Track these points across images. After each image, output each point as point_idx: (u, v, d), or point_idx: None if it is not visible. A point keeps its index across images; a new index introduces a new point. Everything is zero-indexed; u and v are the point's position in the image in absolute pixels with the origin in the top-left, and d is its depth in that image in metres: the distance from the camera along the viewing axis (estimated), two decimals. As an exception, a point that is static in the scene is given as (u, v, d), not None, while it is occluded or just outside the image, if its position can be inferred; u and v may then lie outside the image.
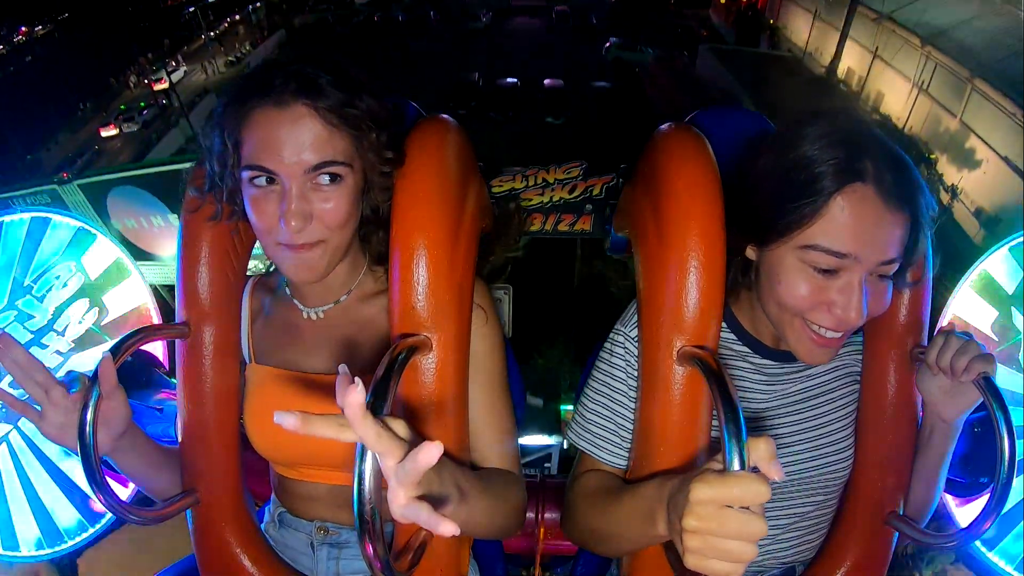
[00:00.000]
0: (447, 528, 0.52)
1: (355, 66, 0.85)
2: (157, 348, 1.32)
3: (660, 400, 0.82)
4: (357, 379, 0.51)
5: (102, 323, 1.29)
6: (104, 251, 1.30)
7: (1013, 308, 1.15)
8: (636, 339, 0.89)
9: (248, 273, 1.01)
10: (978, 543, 1.15)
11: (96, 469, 0.82)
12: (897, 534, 0.93)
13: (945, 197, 12.34)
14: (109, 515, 1.27)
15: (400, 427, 0.57)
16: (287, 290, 0.97)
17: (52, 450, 1.27)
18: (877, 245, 0.76)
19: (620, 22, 23.28)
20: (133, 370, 1.24)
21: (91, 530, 1.28)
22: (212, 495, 0.94)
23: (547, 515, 1.39)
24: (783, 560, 0.96)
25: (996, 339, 1.16)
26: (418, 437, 0.62)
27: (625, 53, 20.80)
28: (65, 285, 1.28)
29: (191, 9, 25.95)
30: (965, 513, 1.15)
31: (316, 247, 0.82)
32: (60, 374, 1.27)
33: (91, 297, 1.29)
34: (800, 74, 18.56)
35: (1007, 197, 11.04)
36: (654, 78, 19.21)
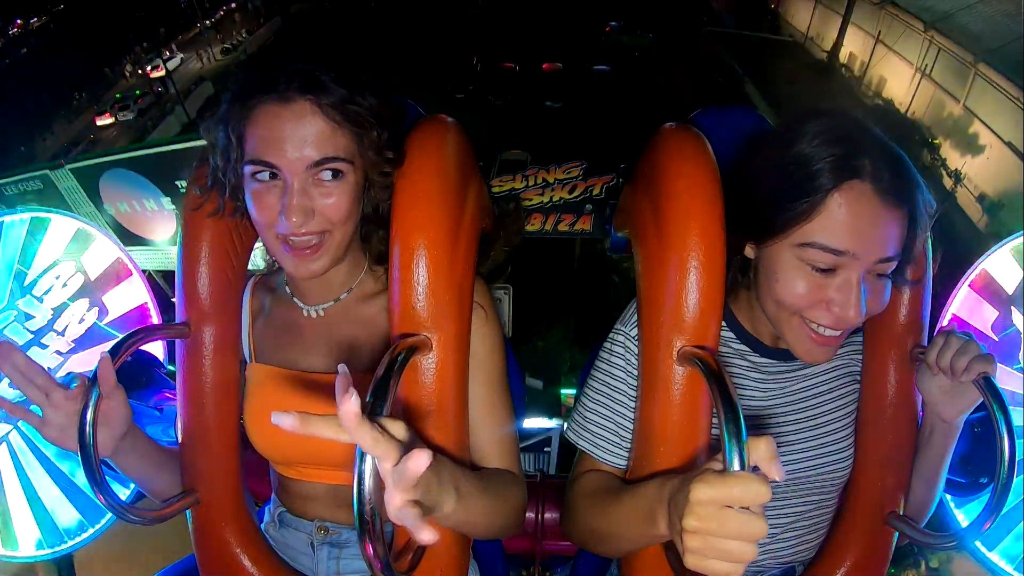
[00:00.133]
0: (426, 536, 0.53)
1: (356, 62, 0.85)
2: (157, 348, 1.32)
3: (660, 400, 0.82)
4: (351, 389, 0.51)
5: (102, 323, 1.29)
6: (104, 251, 1.30)
7: (1013, 308, 1.15)
8: (636, 339, 0.89)
9: (249, 268, 1.01)
10: (978, 543, 1.15)
11: (96, 469, 0.82)
12: (897, 534, 0.93)
13: (948, 182, 12.29)
14: (109, 515, 1.27)
15: (399, 429, 0.57)
16: (287, 289, 0.98)
17: (52, 450, 1.27)
18: (875, 242, 0.76)
19: (620, 6, 23.04)
20: (133, 370, 1.24)
21: (91, 530, 1.28)
22: (212, 495, 0.94)
23: (547, 515, 1.39)
24: (782, 560, 0.96)
25: (996, 339, 1.16)
26: (418, 438, 0.62)
27: (625, 37, 20.57)
28: (65, 285, 1.28)
29: None
30: (965, 513, 1.15)
31: (318, 247, 0.83)
32: (60, 374, 1.27)
33: (91, 297, 1.29)
34: (802, 59, 18.46)
35: (1011, 183, 10.97)
36: (655, 62, 19.07)
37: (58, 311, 1.28)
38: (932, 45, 13.76)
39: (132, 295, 1.30)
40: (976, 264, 1.16)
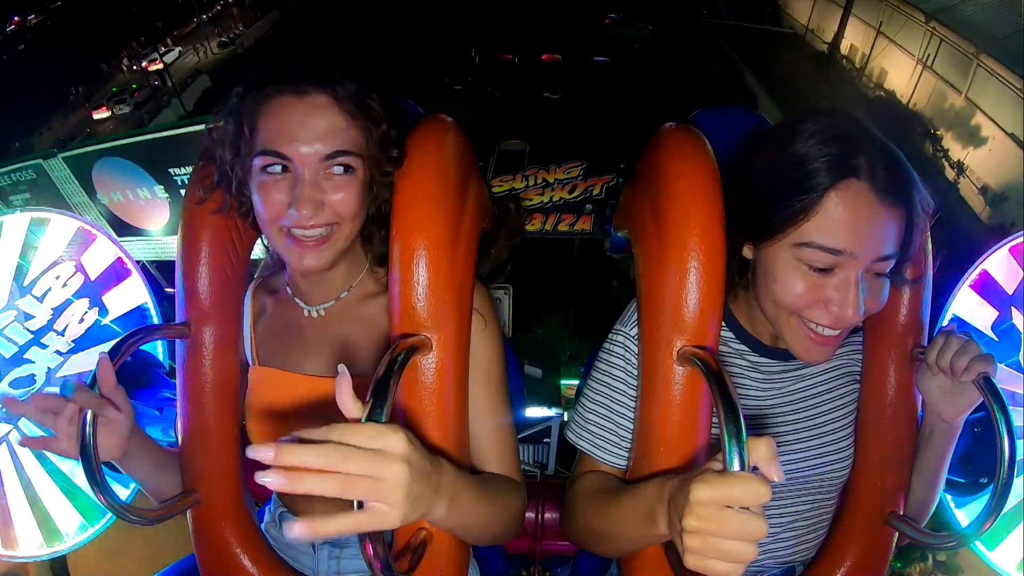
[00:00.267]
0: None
1: (355, 57, 0.86)
2: (157, 348, 1.32)
3: (660, 400, 0.82)
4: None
5: (102, 323, 1.29)
6: (104, 251, 1.30)
7: (1013, 308, 1.15)
8: (636, 339, 0.89)
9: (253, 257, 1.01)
10: (978, 543, 1.15)
11: (96, 469, 0.82)
12: (897, 534, 0.93)
13: (951, 174, 12.27)
14: (109, 515, 1.27)
15: (398, 432, 0.57)
16: (288, 290, 0.98)
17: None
18: (872, 241, 0.76)
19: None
20: (133, 370, 1.24)
21: (91, 530, 1.28)
22: (212, 495, 0.94)
23: (547, 515, 1.39)
24: (782, 560, 0.96)
25: (996, 339, 1.16)
26: (418, 439, 0.62)
27: (624, 29, 20.46)
28: (65, 285, 1.28)
29: None
30: (965, 513, 1.15)
31: (325, 240, 0.83)
32: (60, 374, 1.27)
33: (91, 297, 1.29)
34: (802, 51, 18.40)
35: (1013, 174, 10.92)
36: (655, 53, 18.98)
37: (58, 311, 1.28)
38: (934, 36, 13.71)
39: (132, 295, 1.30)
40: (976, 264, 1.16)
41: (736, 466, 0.57)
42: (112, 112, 20.71)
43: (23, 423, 1.27)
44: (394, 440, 0.57)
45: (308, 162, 0.80)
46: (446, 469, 0.68)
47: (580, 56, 18.17)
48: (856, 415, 0.96)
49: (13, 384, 1.27)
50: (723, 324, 0.91)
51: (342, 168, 0.81)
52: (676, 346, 0.80)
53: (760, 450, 0.58)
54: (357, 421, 0.59)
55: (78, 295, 1.29)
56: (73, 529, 1.28)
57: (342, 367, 0.59)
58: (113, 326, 1.29)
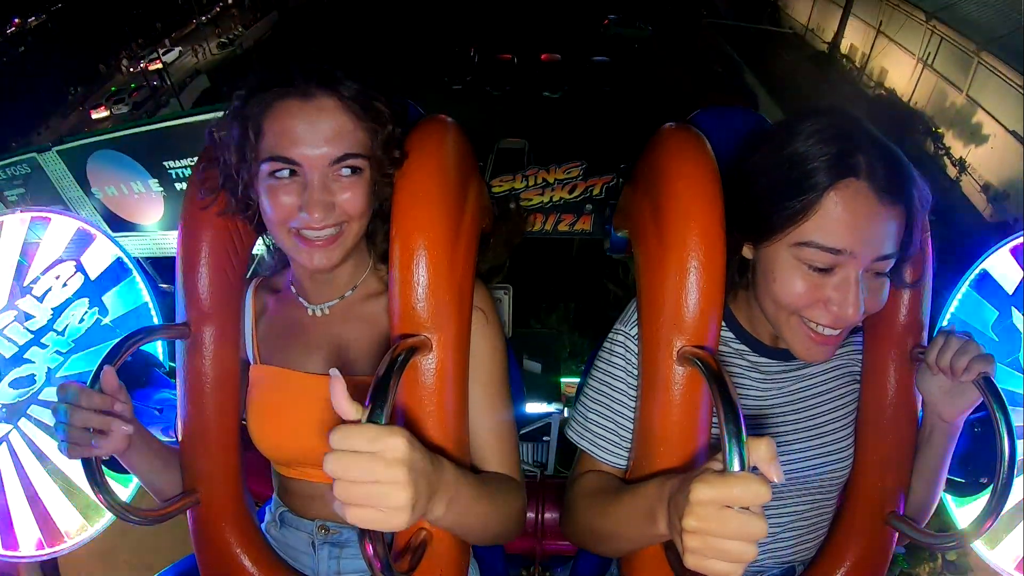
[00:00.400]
0: None
1: (354, 56, 0.86)
2: (157, 348, 1.32)
3: (660, 400, 0.82)
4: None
5: (102, 323, 1.29)
6: (104, 251, 1.30)
7: (1013, 308, 1.15)
8: (636, 338, 0.89)
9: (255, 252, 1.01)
10: (978, 543, 1.15)
11: (96, 469, 0.83)
12: (897, 534, 0.93)
13: (953, 171, 12.26)
14: (109, 515, 1.27)
15: (398, 434, 0.57)
16: (292, 288, 0.98)
17: (52, 450, 1.27)
18: (872, 240, 0.75)
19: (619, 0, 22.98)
20: (133, 370, 1.24)
21: (91, 530, 1.28)
22: (212, 495, 0.94)
23: (547, 515, 1.39)
24: (782, 560, 0.96)
25: (996, 339, 1.16)
26: (418, 440, 0.62)
27: (624, 29, 20.46)
28: (65, 285, 1.28)
29: None
30: (965, 513, 1.15)
31: (335, 239, 0.83)
32: (60, 374, 1.27)
33: (91, 297, 1.29)
34: (802, 50, 18.40)
35: (1015, 172, 10.90)
36: (654, 53, 18.96)
37: (58, 311, 1.28)
38: (934, 35, 13.71)
39: (132, 295, 1.30)
40: (976, 264, 1.16)
41: (736, 466, 0.57)
42: (111, 112, 20.72)
43: (23, 423, 1.27)
44: (393, 443, 0.57)
45: (317, 166, 0.80)
46: (446, 468, 0.68)
47: (579, 56, 18.15)
48: (856, 415, 0.96)
49: (13, 384, 1.27)
50: (723, 324, 0.91)
51: (350, 170, 0.82)
52: (676, 346, 0.80)
53: (760, 450, 0.58)
54: (357, 422, 0.59)
55: (78, 295, 1.29)
56: (73, 529, 1.28)
57: (334, 371, 0.59)
58: (113, 326, 1.29)
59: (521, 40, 19.37)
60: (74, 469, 1.27)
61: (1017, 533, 1.14)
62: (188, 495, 0.93)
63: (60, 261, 1.29)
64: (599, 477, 0.92)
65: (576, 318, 8.44)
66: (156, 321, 1.29)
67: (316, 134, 0.79)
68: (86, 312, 1.28)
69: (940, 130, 13.09)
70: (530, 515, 1.38)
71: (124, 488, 1.26)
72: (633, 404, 0.90)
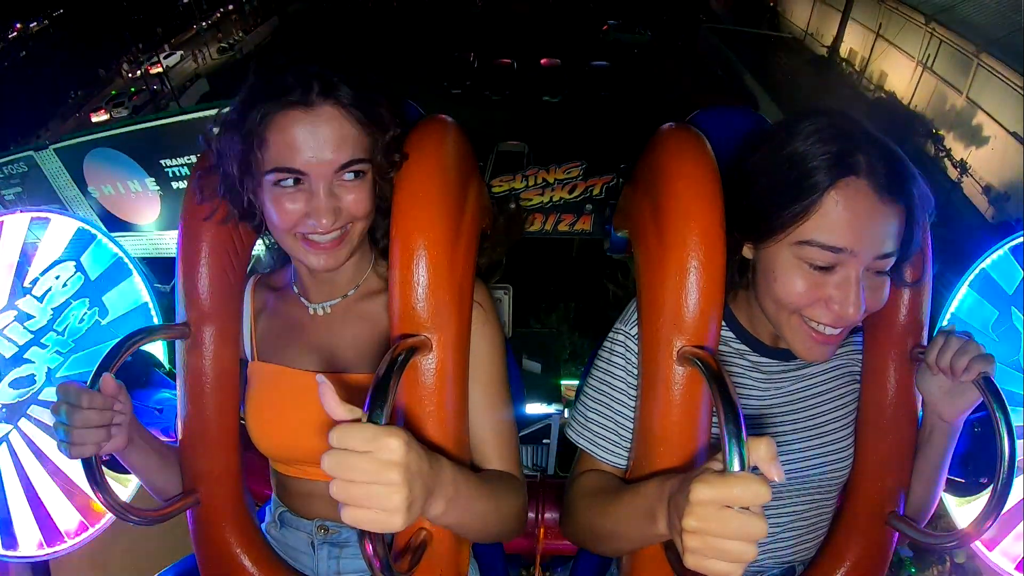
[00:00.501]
0: None
1: (353, 61, 0.86)
2: (157, 348, 1.32)
3: (660, 400, 0.82)
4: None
5: (102, 323, 1.29)
6: (104, 251, 1.30)
7: (1013, 308, 1.15)
8: (636, 338, 0.89)
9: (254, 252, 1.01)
10: (978, 543, 1.15)
11: (96, 469, 0.83)
12: (897, 534, 0.93)
13: (954, 173, 12.24)
14: (109, 515, 1.27)
15: (395, 435, 0.57)
16: (294, 288, 0.98)
17: (52, 450, 1.27)
18: (873, 239, 0.76)
19: (619, 6, 23.02)
20: (133, 370, 1.24)
21: (91, 530, 1.28)
22: (212, 495, 0.94)
23: (547, 515, 1.39)
24: (782, 560, 0.96)
25: (996, 339, 1.16)
26: (418, 440, 0.62)
27: (624, 35, 20.53)
28: (65, 285, 1.28)
29: (185, 0, 26.00)
30: (965, 513, 1.14)
31: (341, 240, 0.84)
32: (60, 375, 1.27)
33: (91, 297, 1.29)
34: (802, 55, 18.43)
35: (1016, 172, 10.87)
36: (654, 58, 19.01)
37: (58, 311, 1.28)
38: (933, 38, 13.72)
39: (132, 295, 1.30)
40: (976, 264, 1.16)
41: (736, 466, 0.57)
42: (110, 115, 20.78)
43: (23, 423, 1.27)
44: (389, 443, 0.57)
45: (322, 174, 0.80)
46: (445, 467, 0.68)
47: (579, 61, 18.18)
48: (856, 415, 0.96)
49: (13, 384, 1.27)
50: (723, 324, 0.91)
51: (354, 174, 0.82)
52: (676, 346, 0.80)
53: (760, 450, 0.58)
54: (357, 421, 0.59)
55: (78, 295, 1.29)
56: (73, 529, 1.28)
57: (320, 376, 0.60)
58: (113, 326, 1.29)
59: (521, 45, 19.38)
60: (74, 469, 1.27)
61: (1017, 533, 1.14)
62: (188, 495, 0.93)
63: (60, 261, 1.29)
64: (599, 477, 0.92)
65: (576, 318, 8.43)
66: (156, 321, 1.29)
67: (319, 143, 0.79)
68: (86, 312, 1.28)
69: (940, 132, 13.08)
70: (530, 515, 1.38)
71: (124, 488, 1.26)
72: (633, 404, 0.90)
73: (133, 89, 21.77)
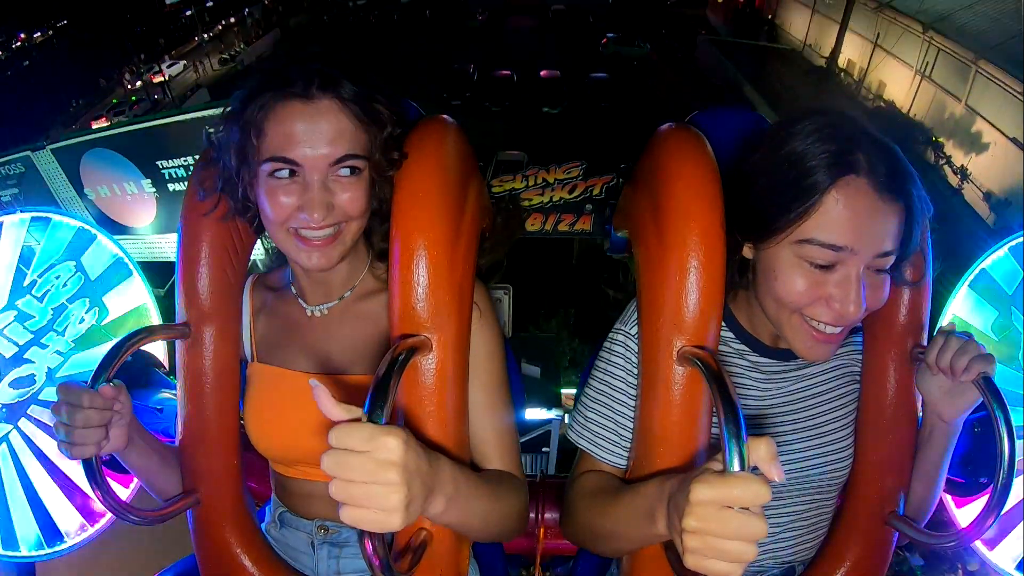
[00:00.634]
0: None
1: (355, 69, 0.86)
2: (157, 348, 1.32)
3: (660, 400, 0.82)
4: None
5: (102, 323, 1.29)
6: (104, 251, 1.30)
7: (1013, 308, 1.15)
8: (636, 338, 0.89)
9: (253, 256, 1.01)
10: (978, 543, 1.15)
11: (96, 469, 0.83)
12: (897, 534, 0.93)
13: (955, 179, 12.23)
14: (109, 515, 1.27)
15: (393, 434, 0.57)
16: (292, 288, 0.98)
17: (52, 450, 1.27)
18: (873, 237, 0.76)
19: (618, 21, 23.17)
20: (133, 370, 1.24)
21: (91, 530, 1.28)
22: (212, 495, 0.94)
23: (547, 515, 1.38)
24: (782, 560, 0.96)
25: (996, 339, 1.16)
26: (418, 439, 0.62)
27: (623, 48, 20.63)
28: (65, 285, 1.28)
29: (188, 12, 26.17)
30: (965, 513, 1.14)
31: (334, 239, 0.84)
32: (60, 374, 1.27)
33: (91, 297, 1.29)
34: (800, 66, 18.49)
35: (1016, 179, 10.83)
36: (654, 69, 19.08)
37: (58, 311, 1.28)
38: (931, 46, 13.74)
39: (132, 295, 1.30)
40: (976, 264, 1.16)
41: (736, 466, 0.57)
42: (111, 123, 20.84)
43: (23, 423, 1.27)
44: (389, 443, 0.58)
45: (317, 167, 0.80)
46: (444, 465, 0.68)
47: (578, 73, 18.24)
48: (856, 415, 0.96)
49: (13, 384, 1.27)
50: (723, 324, 0.91)
51: (349, 170, 0.82)
52: (676, 346, 0.80)
53: (760, 450, 0.58)
54: (356, 420, 0.59)
55: (78, 295, 1.29)
56: (73, 529, 1.28)
57: (313, 381, 0.60)
58: (113, 326, 1.29)
59: (520, 58, 19.46)
60: (74, 469, 1.27)
61: (1017, 533, 1.14)
62: (188, 495, 0.93)
63: (60, 261, 1.29)
64: (599, 477, 0.92)
65: (576, 324, 8.42)
66: (156, 321, 1.29)
67: (316, 135, 0.80)
68: (86, 312, 1.28)
69: (940, 139, 13.07)
70: (530, 515, 1.38)
71: (124, 488, 1.26)
72: (633, 404, 0.90)
73: (134, 98, 21.84)
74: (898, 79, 15.04)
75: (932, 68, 13.80)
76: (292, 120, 0.80)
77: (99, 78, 23.84)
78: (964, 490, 1.11)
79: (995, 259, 1.16)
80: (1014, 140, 11.26)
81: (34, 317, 1.28)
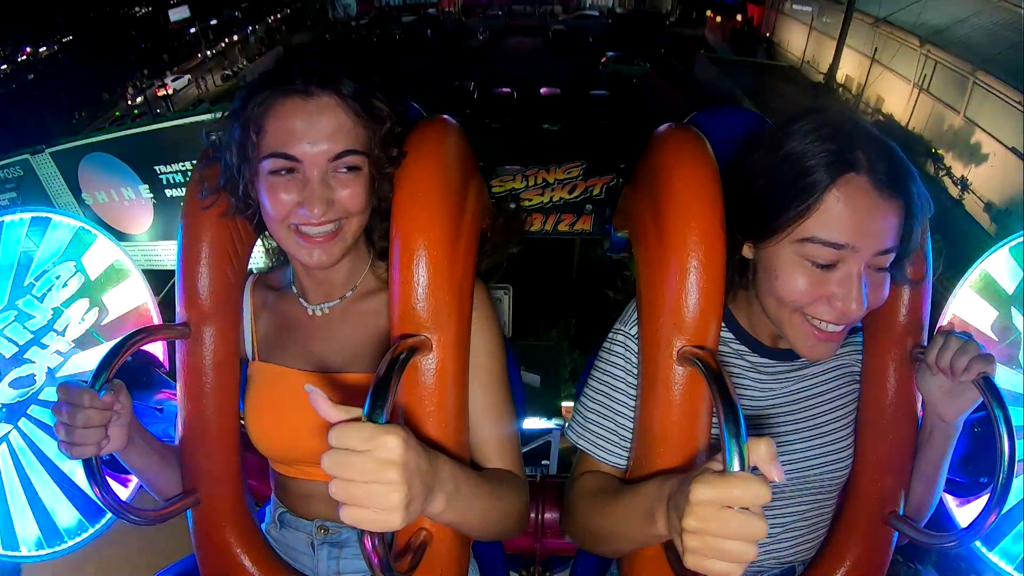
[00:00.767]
0: None
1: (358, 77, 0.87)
2: (157, 348, 1.32)
3: (660, 400, 0.82)
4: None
5: (102, 323, 1.29)
6: (104, 251, 1.30)
7: (1013, 308, 1.15)
8: (636, 338, 0.89)
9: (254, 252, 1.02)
10: (978, 543, 1.15)
11: (96, 469, 0.83)
12: (897, 534, 0.93)
13: (955, 190, 12.22)
14: (109, 515, 1.27)
15: (393, 433, 0.57)
16: (293, 288, 0.98)
17: (52, 450, 1.27)
18: (874, 235, 0.76)
19: (618, 40, 23.31)
20: (133, 370, 1.24)
21: (91, 530, 1.28)
22: (212, 495, 0.94)
23: (547, 515, 1.39)
24: (782, 560, 0.96)
25: (996, 339, 1.16)
26: (418, 439, 0.62)
27: (623, 67, 20.81)
28: (65, 285, 1.28)
29: (192, 30, 26.34)
30: (965, 513, 1.14)
31: (334, 235, 0.84)
32: (60, 375, 1.27)
33: (91, 297, 1.29)
34: (799, 82, 18.60)
35: (1017, 188, 10.80)
36: (653, 86, 19.17)
37: (58, 311, 1.28)
38: (928, 59, 13.76)
39: (132, 295, 1.30)
40: (976, 264, 1.16)
41: (736, 466, 0.57)
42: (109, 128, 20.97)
43: (23, 423, 1.27)
44: (388, 442, 0.58)
45: (317, 163, 0.81)
46: (444, 464, 0.68)
47: (578, 90, 18.31)
48: (856, 415, 0.96)
49: (13, 384, 1.27)
50: (723, 325, 0.91)
51: (348, 167, 0.83)
52: (676, 346, 0.80)
53: (760, 450, 0.58)
54: (357, 420, 0.59)
55: (78, 295, 1.29)
56: (73, 529, 1.28)
57: (309, 386, 0.60)
58: (113, 326, 1.29)
59: (520, 76, 19.53)
60: (74, 469, 1.27)
61: (1017, 533, 1.14)
62: (188, 495, 0.93)
63: (60, 261, 1.29)
64: (599, 477, 0.92)
65: (577, 334, 8.40)
66: (156, 321, 1.29)
67: (316, 131, 0.80)
68: (86, 312, 1.28)
69: (940, 151, 13.07)
70: (530, 515, 1.38)
71: (124, 488, 1.26)
72: (633, 404, 0.90)
73: (136, 112, 21.88)
74: (896, 93, 15.07)
75: (930, 81, 13.82)
76: (292, 116, 0.80)
77: (102, 92, 23.99)
78: (964, 490, 1.11)
79: (995, 259, 1.16)
80: (1013, 150, 11.26)
81: (34, 317, 1.28)
